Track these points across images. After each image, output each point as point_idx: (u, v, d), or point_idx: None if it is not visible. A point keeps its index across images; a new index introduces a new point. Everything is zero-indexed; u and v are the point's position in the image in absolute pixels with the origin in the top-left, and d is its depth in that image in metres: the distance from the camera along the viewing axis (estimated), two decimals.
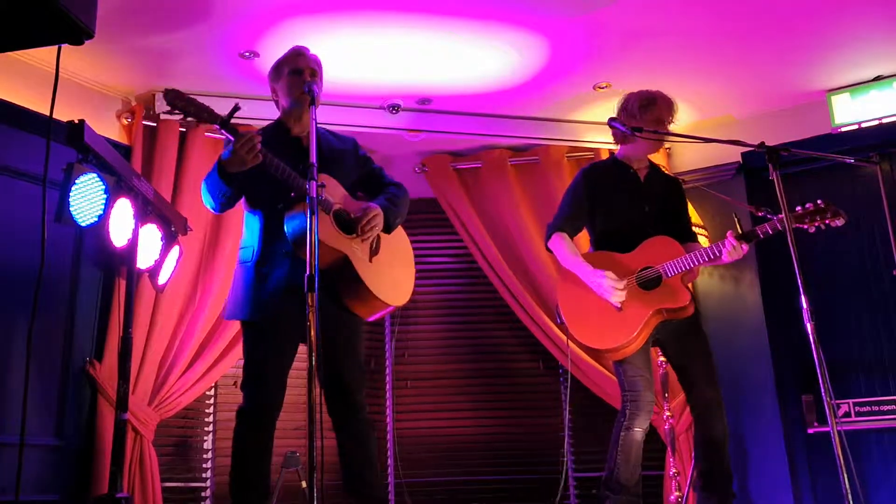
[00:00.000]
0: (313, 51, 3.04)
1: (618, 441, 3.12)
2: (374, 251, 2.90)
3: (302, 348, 2.71)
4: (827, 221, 3.02)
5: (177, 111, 2.57)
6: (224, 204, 2.78)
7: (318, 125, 3.00)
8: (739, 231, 3.08)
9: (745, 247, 3.07)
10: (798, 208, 3.03)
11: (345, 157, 3.02)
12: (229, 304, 2.88)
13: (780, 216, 2.94)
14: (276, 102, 3.04)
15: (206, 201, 2.81)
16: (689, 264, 3.09)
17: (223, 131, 2.60)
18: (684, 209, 3.44)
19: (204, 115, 2.59)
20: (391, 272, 2.96)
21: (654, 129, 3.17)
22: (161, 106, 4.16)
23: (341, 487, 2.86)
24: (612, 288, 3.08)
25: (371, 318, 2.97)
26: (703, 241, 4.44)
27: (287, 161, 2.69)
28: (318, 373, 2.77)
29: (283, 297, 2.70)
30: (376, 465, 2.90)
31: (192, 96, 2.59)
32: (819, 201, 3.04)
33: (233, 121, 4.31)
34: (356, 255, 2.78)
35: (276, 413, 2.77)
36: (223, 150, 2.66)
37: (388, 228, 2.93)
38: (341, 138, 3.10)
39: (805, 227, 3.04)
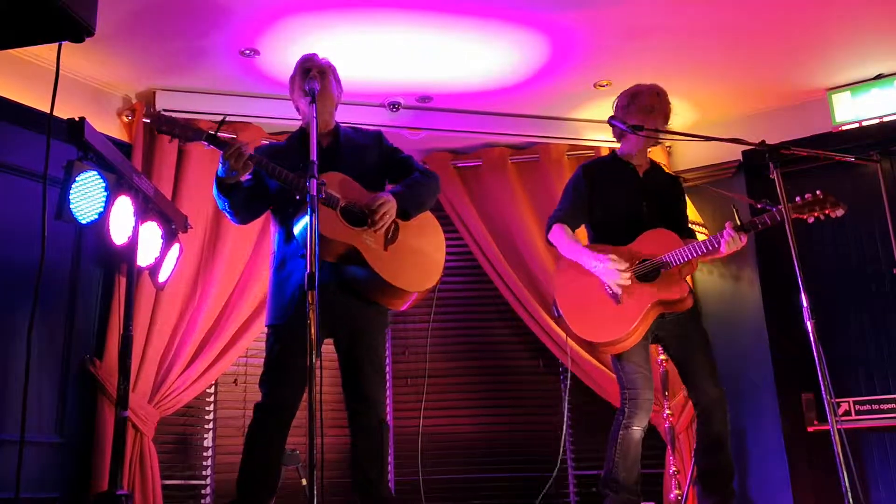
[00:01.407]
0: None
1: (616, 439, 3.12)
2: (389, 240, 2.88)
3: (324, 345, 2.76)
4: (827, 212, 2.99)
5: (163, 134, 2.64)
6: (235, 215, 2.90)
7: (341, 123, 3.11)
8: (738, 222, 3.07)
9: (744, 238, 3.06)
10: (798, 199, 3.01)
11: (365, 151, 3.05)
12: (266, 311, 2.96)
13: (778, 207, 2.94)
14: (299, 110, 3.09)
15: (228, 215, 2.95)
16: (687, 256, 3.08)
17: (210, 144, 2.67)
18: (683, 207, 3.44)
19: (189, 133, 2.67)
20: (412, 258, 2.93)
21: (646, 122, 3.20)
22: (161, 103, 4.16)
23: (343, 485, 2.88)
24: (616, 271, 3.06)
25: (402, 308, 2.99)
26: (703, 239, 4.44)
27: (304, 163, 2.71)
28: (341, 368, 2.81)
29: (301, 298, 2.74)
30: (384, 464, 2.91)
31: (174, 117, 2.67)
32: (818, 192, 3.02)
33: (239, 119, 4.34)
34: (366, 246, 2.79)
35: (292, 413, 2.81)
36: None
37: (405, 215, 2.92)
38: (364, 133, 3.14)
39: (804, 217, 3.01)
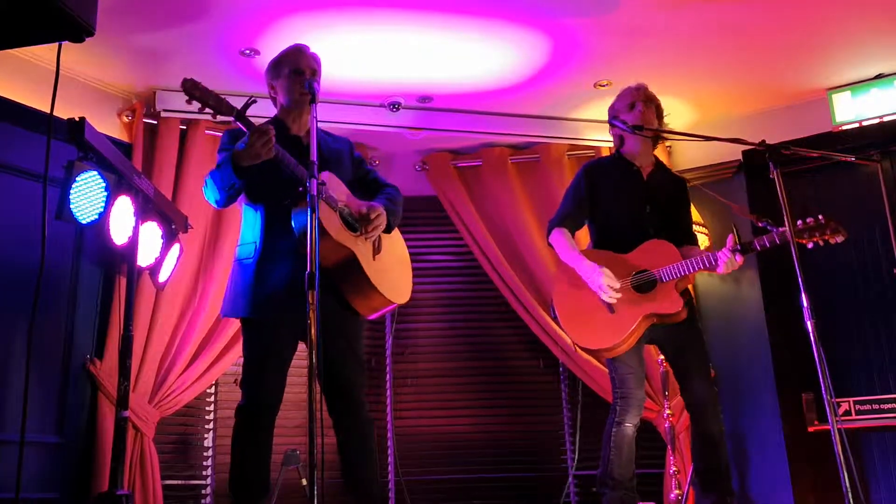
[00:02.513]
0: (313, 48, 3.04)
1: (610, 437, 3.14)
2: (376, 250, 2.91)
3: (302, 346, 2.71)
4: (826, 237, 3.00)
5: (194, 101, 2.55)
6: (230, 198, 2.76)
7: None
8: (737, 242, 3.07)
9: (740, 258, 3.06)
10: (799, 223, 2.99)
11: (342, 157, 3.03)
12: (227, 301, 2.85)
13: (779, 229, 2.95)
14: (274, 99, 3.03)
15: (210, 195, 2.78)
16: (684, 271, 3.09)
17: (238, 123, 2.59)
18: (686, 210, 3.43)
19: (222, 107, 2.58)
20: (393, 271, 2.98)
21: (636, 121, 3.23)
22: (161, 103, 4.16)
23: (342, 485, 2.87)
24: (607, 287, 3.08)
25: (373, 317, 2.98)
26: (703, 239, 4.45)
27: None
28: (318, 370, 2.80)
29: (284, 294, 2.69)
30: (375, 463, 2.90)
31: (208, 88, 2.58)
32: (821, 217, 3.01)
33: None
34: (362, 253, 2.79)
35: (276, 410, 2.77)
36: (237, 143, 2.64)
37: (388, 228, 2.95)
38: (337, 139, 3.10)
39: (804, 241, 3.00)
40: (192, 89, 2.54)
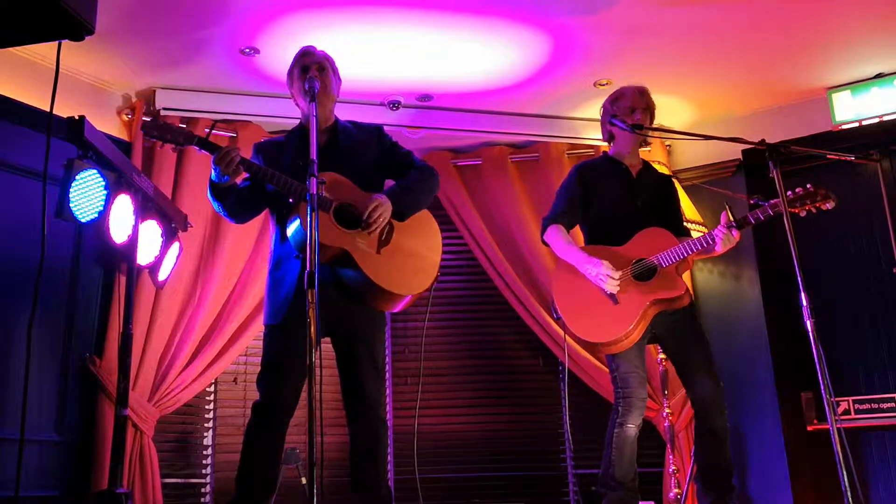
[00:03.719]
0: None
1: (612, 438, 3.14)
2: (383, 241, 2.85)
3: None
4: (818, 205, 3.03)
5: (154, 139, 2.65)
6: (230, 217, 2.91)
7: (342, 120, 3.08)
8: (731, 219, 3.09)
9: (737, 234, 3.09)
10: (789, 193, 3.01)
11: (365, 147, 3.02)
12: (263, 310, 2.95)
13: (771, 202, 2.99)
14: (298, 106, 3.07)
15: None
16: (682, 254, 3.10)
17: (203, 149, 2.68)
18: (676, 205, 3.46)
19: (180, 137, 2.67)
20: (405, 260, 2.88)
21: (632, 122, 3.25)
22: (161, 102, 4.16)
23: (342, 484, 2.87)
24: (607, 277, 3.10)
25: (396, 309, 2.94)
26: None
27: (304, 161, 2.69)
28: (340, 367, 2.81)
29: (295, 298, 2.73)
30: (383, 462, 2.91)
31: (166, 122, 2.69)
32: (808, 185, 3.05)
33: (238, 118, 4.34)
34: (358, 249, 2.76)
35: (290, 412, 2.80)
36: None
37: (400, 216, 2.88)
38: (364, 128, 3.10)
39: (797, 210, 3.04)
40: (150, 130, 2.64)
